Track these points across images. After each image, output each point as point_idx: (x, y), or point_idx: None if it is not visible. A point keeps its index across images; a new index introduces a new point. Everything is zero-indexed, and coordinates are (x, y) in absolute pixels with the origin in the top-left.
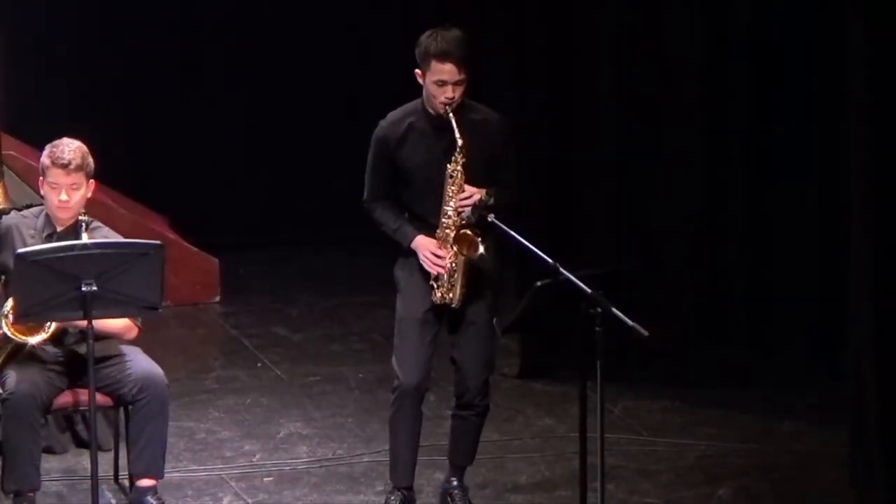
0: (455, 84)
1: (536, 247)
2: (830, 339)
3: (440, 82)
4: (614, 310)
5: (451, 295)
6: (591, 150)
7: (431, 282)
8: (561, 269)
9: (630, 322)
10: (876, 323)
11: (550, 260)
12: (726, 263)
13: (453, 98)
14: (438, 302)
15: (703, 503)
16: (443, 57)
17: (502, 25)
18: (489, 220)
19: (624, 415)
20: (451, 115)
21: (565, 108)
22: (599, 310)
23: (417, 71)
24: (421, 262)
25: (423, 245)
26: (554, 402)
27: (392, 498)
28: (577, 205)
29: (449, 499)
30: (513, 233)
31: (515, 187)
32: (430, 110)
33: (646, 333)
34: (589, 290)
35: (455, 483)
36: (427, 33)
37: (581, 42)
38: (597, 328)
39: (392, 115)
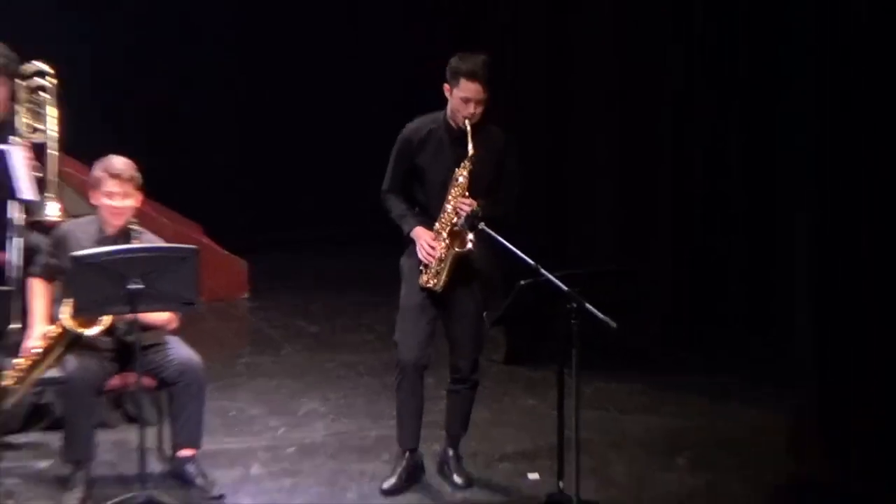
0: (477, 102)
1: (523, 251)
2: (774, 335)
3: (465, 99)
4: (587, 305)
5: (435, 280)
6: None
7: (421, 267)
8: (542, 270)
9: (600, 315)
10: (814, 317)
11: (532, 262)
12: (684, 270)
13: (474, 114)
14: (424, 285)
15: (664, 470)
16: (471, 76)
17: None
18: (479, 227)
19: (596, 395)
20: (468, 127)
21: (564, 110)
22: (575, 305)
23: (446, 86)
24: (417, 249)
25: (420, 234)
26: (536, 384)
27: (398, 462)
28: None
29: (445, 466)
30: (500, 238)
31: (514, 201)
32: (451, 122)
33: (614, 325)
34: (566, 288)
35: (451, 452)
36: (458, 55)
37: (579, 44)
38: (572, 321)
39: (418, 120)
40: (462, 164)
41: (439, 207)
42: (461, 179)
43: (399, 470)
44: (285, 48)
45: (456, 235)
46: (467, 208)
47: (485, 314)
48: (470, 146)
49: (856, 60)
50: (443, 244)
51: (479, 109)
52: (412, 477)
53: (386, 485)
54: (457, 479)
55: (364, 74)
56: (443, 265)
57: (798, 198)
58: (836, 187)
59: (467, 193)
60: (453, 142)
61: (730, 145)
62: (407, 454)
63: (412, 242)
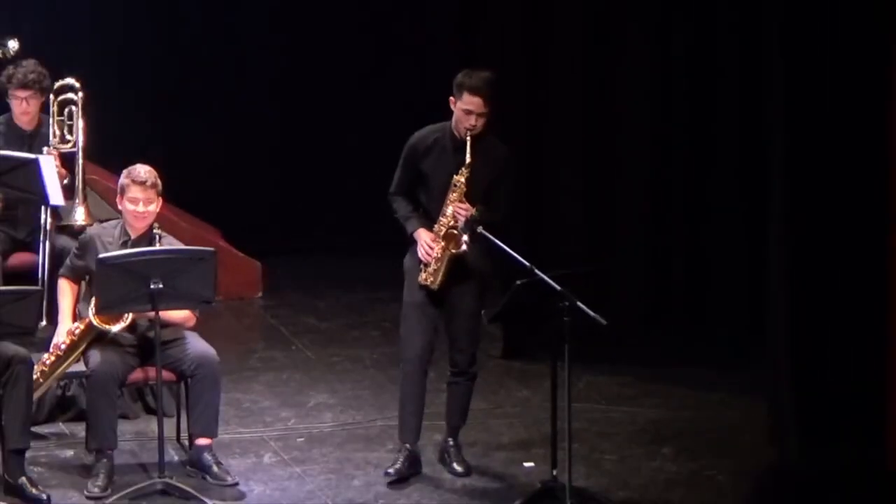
0: (479, 115)
1: (516, 251)
2: (753, 330)
3: (467, 111)
4: (579, 303)
5: (433, 279)
6: (562, 166)
7: (421, 265)
8: (536, 271)
9: (591, 313)
10: (789, 315)
11: (527, 263)
12: (668, 270)
13: (475, 126)
14: (422, 282)
15: (650, 459)
16: (474, 91)
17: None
18: (478, 231)
19: (587, 388)
20: (468, 137)
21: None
22: (567, 303)
23: (451, 98)
24: (417, 248)
25: (421, 235)
26: (530, 377)
27: (400, 454)
28: (549, 213)
29: (446, 455)
30: (497, 241)
31: (507, 208)
32: (455, 132)
33: (604, 322)
34: (559, 288)
35: (451, 442)
36: (464, 71)
37: (556, 47)
38: (564, 318)
39: (425, 129)
40: (460, 172)
41: (437, 210)
42: (459, 185)
43: (401, 458)
44: (305, 62)
45: (451, 237)
46: (464, 213)
47: (483, 312)
48: (468, 156)
49: (829, 59)
50: (440, 245)
51: (481, 122)
52: (413, 466)
53: (391, 470)
54: (456, 467)
55: (376, 93)
56: (440, 265)
57: (774, 193)
58: (807, 184)
59: (465, 199)
60: (456, 150)
61: (714, 140)
62: (407, 445)
63: (415, 242)
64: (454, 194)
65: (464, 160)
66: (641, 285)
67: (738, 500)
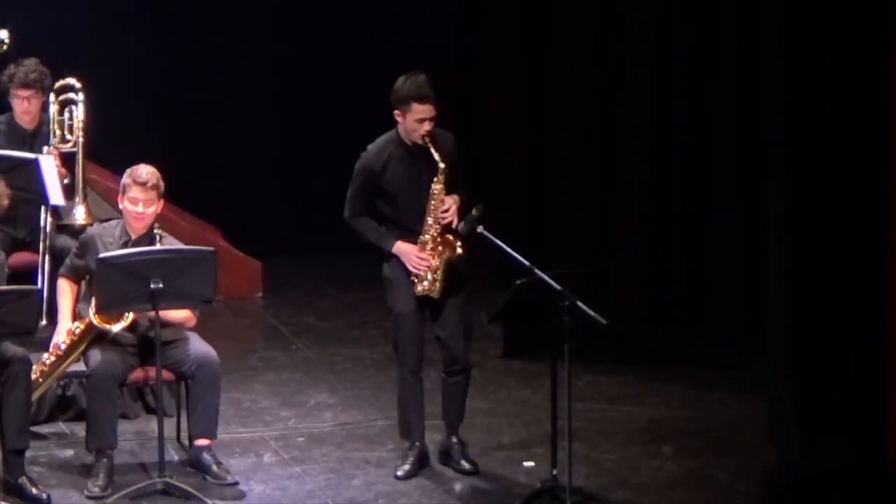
0: (430, 119)
1: (516, 251)
2: (753, 330)
3: (420, 120)
4: (579, 303)
5: (432, 287)
6: (560, 168)
7: (413, 277)
8: (536, 270)
9: (591, 312)
10: (789, 315)
11: (527, 263)
12: (668, 270)
13: (431, 131)
14: (420, 293)
15: (650, 458)
16: (422, 99)
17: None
18: (478, 231)
19: (587, 387)
20: (428, 143)
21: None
22: (567, 303)
23: (397, 112)
24: (405, 262)
25: (406, 250)
26: (530, 376)
27: (410, 451)
28: (549, 213)
29: (451, 453)
30: (497, 241)
31: (468, 189)
32: (407, 141)
33: (604, 322)
34: (559, 287)
35: (454, 440)
36: (401, 79)
37: (555, 47)
38: (564, 317)
39: (373, 148)
40: (436, 179)
41: (411, 219)
42: (437, 193)
43: (411, 458)
44: (305, 62)
45: (446, 243)
46: (449, 217)
47: (482, 312)
48: (439, 161)
49: (828, 55)
50: (436, 252)
51: (433, 124)
52: (422, 463)
53: (400, 472)
54: (464, 464)
55: (376, 93)
56: (437, 273)
57: (774, 193)
58: (807, 184)
59: (444, 201)
60: (413, 157)
61: (711, 139)
62: (417, 444)
63: (394, 256)
64: (434, 202)
65: (423, 164)
66: (641, 285)
67: (738, 500)
